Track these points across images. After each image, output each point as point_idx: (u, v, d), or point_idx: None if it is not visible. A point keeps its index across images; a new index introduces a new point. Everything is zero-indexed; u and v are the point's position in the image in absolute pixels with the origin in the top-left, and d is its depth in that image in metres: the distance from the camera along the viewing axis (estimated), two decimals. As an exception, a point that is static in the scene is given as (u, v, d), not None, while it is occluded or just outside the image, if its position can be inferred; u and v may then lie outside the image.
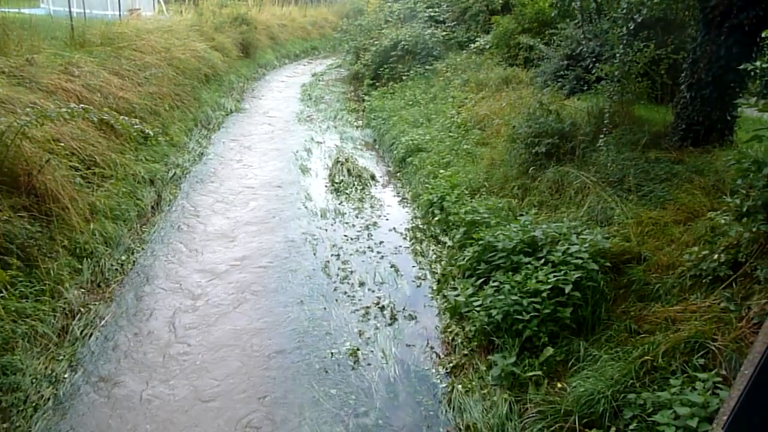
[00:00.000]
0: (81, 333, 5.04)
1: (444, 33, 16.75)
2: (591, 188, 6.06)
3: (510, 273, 5.00)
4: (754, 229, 3.99)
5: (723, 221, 4.42)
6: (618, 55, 7.09)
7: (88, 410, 4.22)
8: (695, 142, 6.44)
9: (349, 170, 9.50)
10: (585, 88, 9.18)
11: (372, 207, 8.31)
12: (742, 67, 5.16)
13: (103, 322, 5.27)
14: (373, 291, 6.01)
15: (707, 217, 4.78)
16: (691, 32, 6.81)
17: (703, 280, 4.23)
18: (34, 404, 4.15)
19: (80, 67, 8.82)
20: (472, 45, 14.79)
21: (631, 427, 3.44)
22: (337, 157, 10.06)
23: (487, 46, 14.04)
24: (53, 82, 7.86)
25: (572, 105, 8.44)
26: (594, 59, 8.91)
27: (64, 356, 4.71)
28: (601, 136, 6.77)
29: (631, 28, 6.83)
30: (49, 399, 4.26)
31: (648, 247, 4.89)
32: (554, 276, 4.60)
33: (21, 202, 5.55)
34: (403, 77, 15.03)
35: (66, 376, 4.53)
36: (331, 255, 6.76)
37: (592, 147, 6.83)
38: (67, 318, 5.15)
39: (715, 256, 4.21)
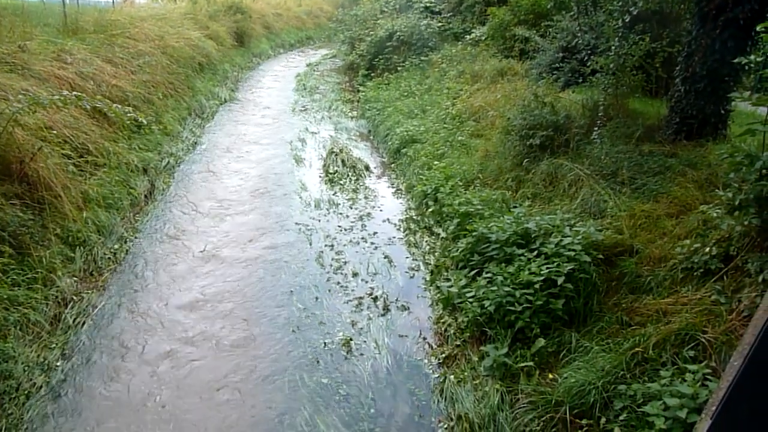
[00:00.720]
0: (74, 321, 5.03)
1: (440, 24, 16.70)
2: (584, 181, 6.07)
3: (503, 264, 5.02)
4: (745, 223, 4.02)
5: (715, 214, 4.44)
6: (613, 47, 7.08)
7: (81, 399, 4.22)
8: (689, 135, 6.45)
9: (343, 161, 9.48)
10: (580, 80, 9.18)
11: (366, 198, 8.31)
12: (736, 60, 5.18)
13: (96, 311, 5.26)
14: (367, 282, 6.02)
15: (699, 210, 4.80)
16: (687, 26, 6.81)
17: (695, 273, 4.26)
18: (26, 392, 4.16)
19: (73, 55, 8.74)
20: (468, 36, 14.73)
21: (621, 417, 3.47)
22: (332, 148, 10.04)
23: (483, 38, 13.99)
24: (46, 69, 7.79)
25: (567, 97, 8.44)
26: (589, 52, 8.90)
27: (57, 344, 4.71)
28: (596, 128, 6.78)
29: (627, 20, 6.82)
30: (41, 387, 4.26)
31: (640, 240, 4.91)
32: (547, 268, 4.62)
33: (13, 189, 5.52)
34: (399, 68, 14.99)
35: (58, 364, 4.53)
36: (325, 245, 6.76)
37: (586, 140, 6.84)
38: (60, 306, 5.14)
39: (707, 249, 4.23)
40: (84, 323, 5.06)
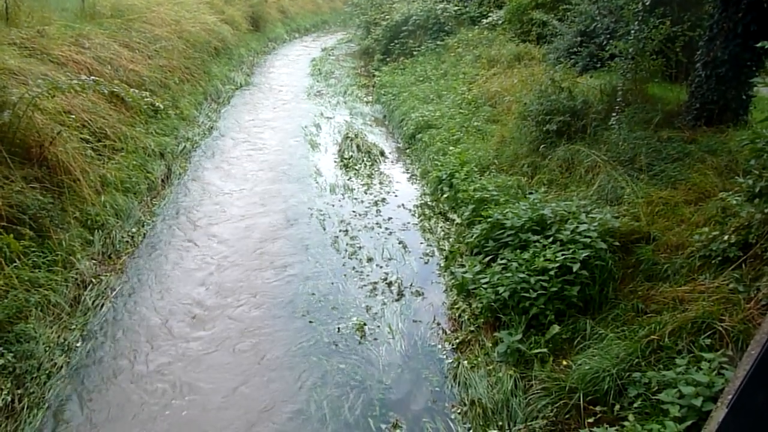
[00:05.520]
0: (93, 303, 5.12)
1: (456, 8, 16.47)
2: (601, 167, 6.01)
3: (518, 251, 5.00)
4: (766, 210, 3.96)
5: (735, 202, 4.38)
6: (633, 31, 6.97)
7: (101, 379, 4.31)
8: (709, 121, 6.36)
9: (358, 146, 9.47)
10: (598, 65, 9.05)
11: (381, 183, 8.30)
12: (759, 45, 5.07)
13: (114, 293, 5.34)
14: (381, 267, 6.03)
15: (719, 197, 4.74)
16: (708, 9, 6.67)
17: (713, 261, 4.22)
18: (47, 371, 4.25)
19: (91, 39, 8.80)
20: (485, 20, 14.56)
21: (635, 405, 3.47)
22: (347, 133, 10.02)
23: (500, 22, 13.82)
24: (64, 54, 7.85)
25: (585, 82, 8.33)
26: (608, 36, 8.77)
27: (77, 326, 4.80)
28: (613, 114, 6.69)
29: (647, 4, 6.70)
30: (61, 367, 4.35)
31: (658, 227, 4.86)
32: (562, 254, 4.60)
33: (33, 173, 5.59)
34: (414, 53, 14.87)
35: (78, 344, 4.62)
36: (340, 231, 6.78)
37: (604, 125, 6.76)
38: (79, 288, 5.22)
39: (726, 237, 4.18)
40: (103, 305, 5.15)
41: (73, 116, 6.71)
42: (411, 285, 5.70)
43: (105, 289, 5.37)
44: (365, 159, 9.14)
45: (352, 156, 9.22)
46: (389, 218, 7.16)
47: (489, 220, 5.57)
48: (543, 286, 4.48)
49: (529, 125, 7.30)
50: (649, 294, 4.30)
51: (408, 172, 8.84)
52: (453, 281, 5.53)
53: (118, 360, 4.52)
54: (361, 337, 4.89)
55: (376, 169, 8.86)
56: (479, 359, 4.45)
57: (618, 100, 6.80)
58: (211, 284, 5.60)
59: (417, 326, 5.09)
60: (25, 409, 3.89)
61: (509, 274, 4.69)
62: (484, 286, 4.84)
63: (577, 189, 5.98)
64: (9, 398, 3.89)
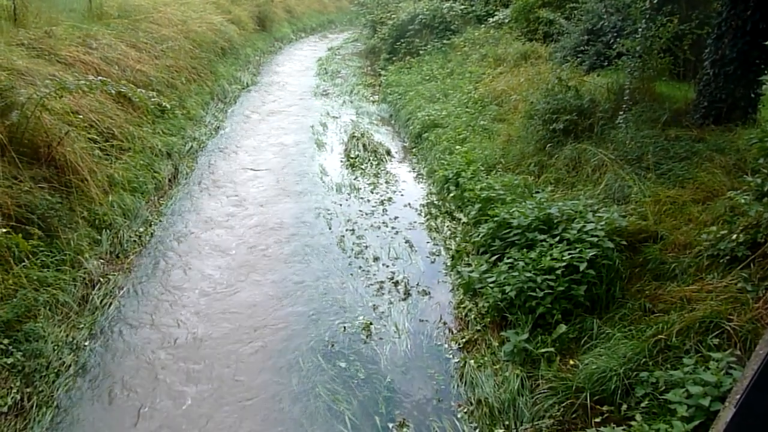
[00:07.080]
0: (101, 302, 5.15)
1: (462, 6, 16.43)
2: (609, 166, 5.99)
3: (525, 250, 4.99)
4: (774, 209, 3.94)
5: (743, 201, 4.36)
6: (640, 29, 6.93)
7: (109, 378, 4.33)
8: (717, 120, 6.32)
9: (364, 145, 9.48)
10: (605, 63, 9.01)
11: (387, 182, 8.30)
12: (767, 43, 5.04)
13: (122, 292, 5.37)
14: (388, 266, 6.03)
15: (727, 196, 4.72)
16: (717, 7, 6.64)
17: (721, 260, 4.19)
18: (56, 370, 4.27)
19: (98, 40, 8.85)
20: (491, 19, 14.51)
21: (642, 404, 3.46)
22: (353, 132, 10.03)
23: (506, 20, 13.78)
24: (71, 55, 7.90)
25: (592, 81, 8.29)
26: (615, 34, 8.73)
27: (85, 325, 4.82)
28: (621, 113, 6.66)
29: (655, 2, 6.67)
30: (70, 366, 4.37)
31: (665, 226, 4.84)
32: (569, 254, 4.58)
33: (41, 173, 5.63)
34: (420, 52, 14.86)
35: (86, 343, 4.64)
36: (346, 230, 6.79)
37: (611, 124, 6.74)
38: (87, 287, 5.26)
39: (734, 236, 4.16)
40: (111, 304, 5.18)
41: (81, 116, 6.75)
42: (417, 284, 5.70)
43: (113, 288, 5.39)
44: (371, 158, 9.14)
45: (358, 155, 9.23)
46: (395, 217, 7.16)
47: (495, 219, 5.56)
48: (550, 285, 4.47)
49: (536, 124, 7.28)
50: (656, 293, 4.28)
51: (414, 172, 8.83)
52: (459, 280, 5.52)
53: (125, 359, 4.54)
54: (367, 336, 4.90)
55: (382, 168, 8.86)
56: (486, 358, 4.45)
57: (625, 98, 6.77)
58: (216, 282, 5.62)
59: (423, 325, 5.09)
60: (34, 408, 3.92)
61: (516, 274, 4.68)
62: (491, 285, 4.84)
63: (584, 188, 5.96)
64: (18, 397, 3.92)
